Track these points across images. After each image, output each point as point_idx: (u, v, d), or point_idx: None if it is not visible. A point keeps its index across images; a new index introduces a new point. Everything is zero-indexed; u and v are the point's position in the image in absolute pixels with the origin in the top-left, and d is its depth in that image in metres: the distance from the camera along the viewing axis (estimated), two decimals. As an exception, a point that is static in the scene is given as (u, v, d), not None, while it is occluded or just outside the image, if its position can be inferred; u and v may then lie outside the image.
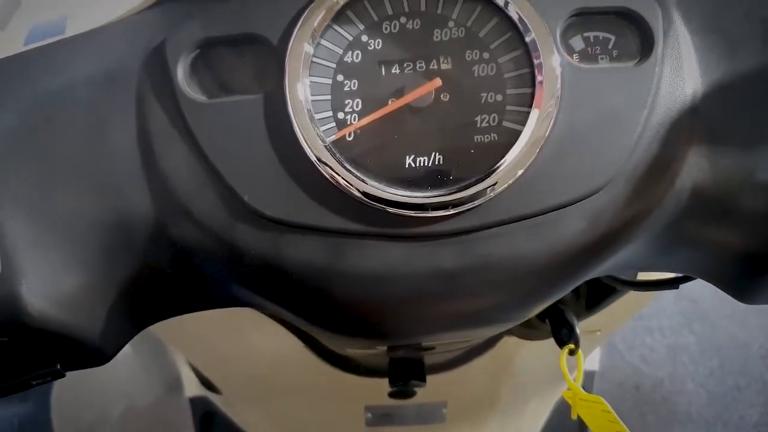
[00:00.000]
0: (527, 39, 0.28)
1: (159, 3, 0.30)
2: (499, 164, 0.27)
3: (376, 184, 0.27)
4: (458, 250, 0.27)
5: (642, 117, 0.28)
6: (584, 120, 0.27)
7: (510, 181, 0.27)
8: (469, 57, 0.28)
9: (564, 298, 0.56)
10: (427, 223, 0.27)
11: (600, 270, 0.31)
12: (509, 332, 0.60)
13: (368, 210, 0.27)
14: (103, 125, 0.28)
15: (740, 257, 0.31)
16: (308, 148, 0.27)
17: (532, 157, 0.27)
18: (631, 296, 0.58)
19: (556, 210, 0.27)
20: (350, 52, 0.28)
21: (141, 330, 0.34)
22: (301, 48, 0.27)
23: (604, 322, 0.60)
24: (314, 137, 0.27)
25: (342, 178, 0.27)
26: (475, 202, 0.27)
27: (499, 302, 0.29)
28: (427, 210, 0.27)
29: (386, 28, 0.28)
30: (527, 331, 0.60)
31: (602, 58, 0.29)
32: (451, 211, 0.27)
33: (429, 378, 0.53)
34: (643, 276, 0.56)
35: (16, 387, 0.30)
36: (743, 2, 0.29)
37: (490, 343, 0.63)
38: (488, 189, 0.27)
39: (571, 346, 0.52)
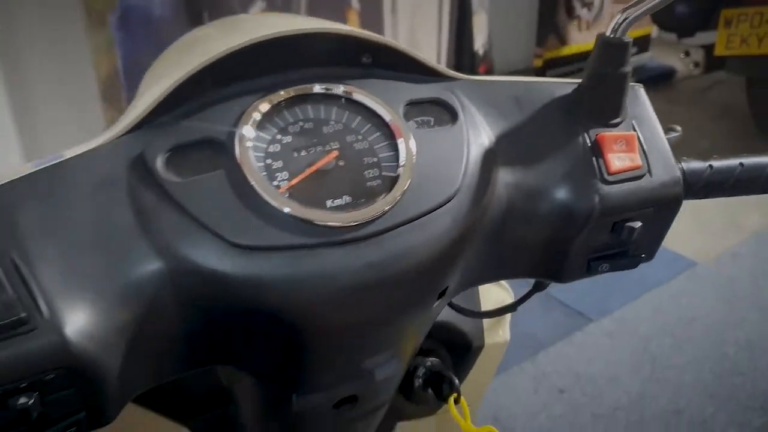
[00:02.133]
0: (386, 119, 0.44)
1: (134, 129, 0.41)
2: (389, 192, 0.41)
3: (316, 211, 0.40)
4: (378, 247, 0.40)
5: (464, 153, 0.44)
6: (432, 159, 0.43)
7: (398, 198, 0.41)
8: (349, 139, 0.43)
9: (438, 368, 0.65)
10: (355, 231, 0.40)
11: (461, 266, 0.45)
12: (399, 415, 0.68)
13: (314, 228, 0.39)
14: (107, 215, 0.38)
15: (546, 246, 0.48)
16: (265, 195, 0.39)
17: (407, 184, 0.41)
18: (486, 354, 0.68)
19: (429, 212, 0.41)
20: (271, 145, 0.42)
21: (139, 391, 0.41)
22: (242, 144, 0.40)
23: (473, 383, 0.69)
24: (267, 187, 0.40)
25: (290, 209, 0.39)
26: (380, 214, 0.40)
27: (411, 278, 0.42)
28: (354, 223, 0.40)
29: (291, 129, 0.43)
30: (415, 407, 0.67)
31: (430, 125, 0.45)
32: (368, 220, 0.40)
33: None
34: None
35: None
36: (503, 88, 0.49)
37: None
38: (386, 206, 0.40)
39: (455, 395, 0.60)
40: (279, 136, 0.42)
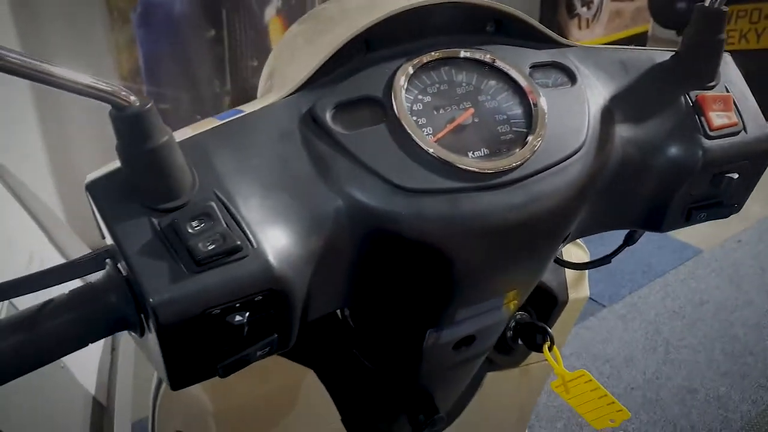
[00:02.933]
0: (518, 80, 0.49)
1: (299, 90, 0.47)
2: (525, 144, 0.47)
3: (466, 159, 0.46)
4: (521, 191, 0.45)
5: (586, 110, 0.50)
6: (559, 115, 0.48)
7: (535, 148, 0.46)
8: (481, 99, 0.48)
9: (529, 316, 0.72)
10: (501, 177, 0.45)
11: (585, 209, 0.51)
12: (489, 366, 0.75)
13: (467, 174, 0.45)
14: (287, 162, 0.44)
15: (651, 197, 0.54)
16: (423, 145, 0.45)
17: (542, 136, 0.47)
18: (568, 309, 0.74)
19: (563, 161, 0.47)
20: (415, 104, 0.47)
21: (313, 317, 0.46)
22: (399, 100, 0.46)
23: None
24: (424, 138, 0.45)
25: (446, 157, 0.45)
26: (521, 162, 0.46)
27: (547, 220, 0.47)
28: (501, 169, 0.46)
29: (430, 90, 0.48)
30: (504, 358, 0.74)
31: (553, 86, 0.51)
32: (511, 167, 0.45)
33: None
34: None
35: (240, 362, 0.40)
36: (609, 54, 0.54)
37: (475, 383, 0.76)
38: (527, 155, 0.46)
39: (548, 342, 0.67)
40: (420, 96, 0.47)
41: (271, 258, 0.39)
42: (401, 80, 0.46)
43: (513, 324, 0.70)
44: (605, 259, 0.66)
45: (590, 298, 2.22)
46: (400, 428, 0.67)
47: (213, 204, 0.39)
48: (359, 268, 0.46)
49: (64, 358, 0.45)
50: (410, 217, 0.44)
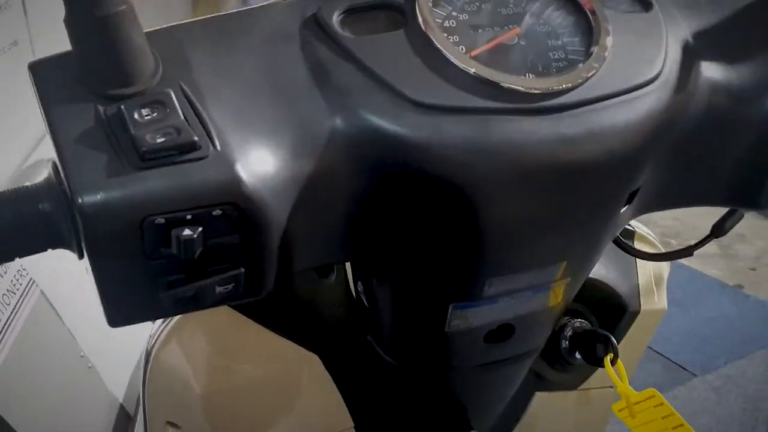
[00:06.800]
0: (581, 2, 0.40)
1: None
2: (585, 61, 0.38)
3: (505, 75, 0.37)
4: (573, 120, 0.36)
5: (663, 38, 0.40)
6: (630, 41, 0.40)
7: (597, 68, 0.37)
8: (530, 20, 0.40)
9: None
10: (549, 99, 0.36)
11: (657, 167, 0.41)
12: (538, 385, 0.61)
13: (503, 92, 0.36)
14: (280, 66, 0.37)
15: (747, 162, 0.43)
16: (448, 54, 0.37)
17: (606, 55, 0.38)
18: (640, 322, 0.61)
19: (633, 91, 0.38)
20: (447, 21, 0.39)
21: (301, 269, 0.39)
22: (424, 6, 0.38)
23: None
24: (450, 47, 0.37)
25: (479, 71, 0.37)
26: (579, 83, 0.37)
27: (606, 164, 0.38)
28: (549, 90, 0.36)
29: (468, 8, 0.40)
30: (557, 375, 0.61)
31: (623, 11, 0.41)
32: (564, 89, 0.36)
33: None
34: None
35: (193, 298, 0.33)
36: None
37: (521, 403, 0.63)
38: (586, 74, 0.37)
39: (611, 355, 0.54)
40: (455, 13, 0.40)
41: (239, 167, 0.32)
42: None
43: (570, 333, 0.58)
44: (686, 251, 0.54)
45: (679, 366, 2.05)
46: None
47: (171, 92, 0.32)
48: (361, 209, 0.38)
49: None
50: (425, 141, 0.35)
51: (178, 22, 0.38)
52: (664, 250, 0.62)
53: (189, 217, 0.31)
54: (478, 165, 0.36)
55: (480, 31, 0.39)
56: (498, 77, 0.36)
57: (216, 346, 0.53)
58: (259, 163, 0.33)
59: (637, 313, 0.60)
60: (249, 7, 0.39)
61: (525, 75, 0.37)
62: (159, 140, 0.30)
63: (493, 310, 0.44)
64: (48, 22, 1.08)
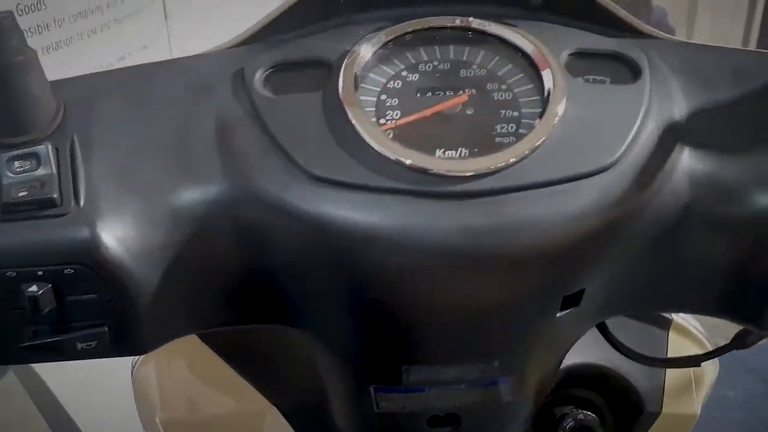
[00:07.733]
0: (534, 59, 0.36)
1: (243, 43, 0.39)
2: (516, 144, 0.33)
3: (414, 154, 0.33)
4: (483, 210, 0.32)
5: (637, 118, 0.35)
6: (590, 118, 0.35)
7: (525, 153, 0.33)
8: (489, 87, 0.36)
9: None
10: (456, 184, 0.32)
11: (607, 272, 0.36)
12: None
13: (404, 172, 0.32)
14: (188, 121, 0.36)
15: (741, 270, 0.36)
16: (355, 122, 0.34)
17: (543, 138, 0.33)
18: (662, 426, 0.53)
19: (569, 181, 0.32)
20: (392, 81, 0.36)
21: (190, 332, 0.38)
22: (351, 66, 0.35)
23: None
24: (360, 116, 0.34)
25: (384, 147, 0.33)
26: (497, 169, 0.32)
27: (524, 263, 0.33)
28: (458, 173, 0.32)
29: (422, 68, 0.37)
30: None
31: (602, 82, 0.37)
32: (478, 173, 0.32)
33: None
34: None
35: (51, 350, 0.33)
36: (719, 56, 0.40)
37: None
38: (509, 159, 0.33)
39: None
40: (405, 73, 0.37)
41: (98, 227, 0.31)
42: (371, 43, 0.37)
43: (570, 424, 0.52)
44: (692, 360, 0.46)
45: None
46: None
47: (48, 146, 0.33)
48: (245, 276, 0.36)
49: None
50: (306, 213, 0.33)
51: (103, 70, 0.38)
52: (710, 348, 0.54)
53: (40, 273, 0.31)
54: (358, 246, 0.33)
55: (428, 95, 0.36)
56: (404, 155, 0.33)
57: (184, 375, 0.53)
58: (125, 226, 0.32)
59: (656, 414, 0.53)
60: (183, 57, 0.39)
61: (456, 150, 0.34)
62: (21, 194, 0.31)
63: (427, 397, 0.40)
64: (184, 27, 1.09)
